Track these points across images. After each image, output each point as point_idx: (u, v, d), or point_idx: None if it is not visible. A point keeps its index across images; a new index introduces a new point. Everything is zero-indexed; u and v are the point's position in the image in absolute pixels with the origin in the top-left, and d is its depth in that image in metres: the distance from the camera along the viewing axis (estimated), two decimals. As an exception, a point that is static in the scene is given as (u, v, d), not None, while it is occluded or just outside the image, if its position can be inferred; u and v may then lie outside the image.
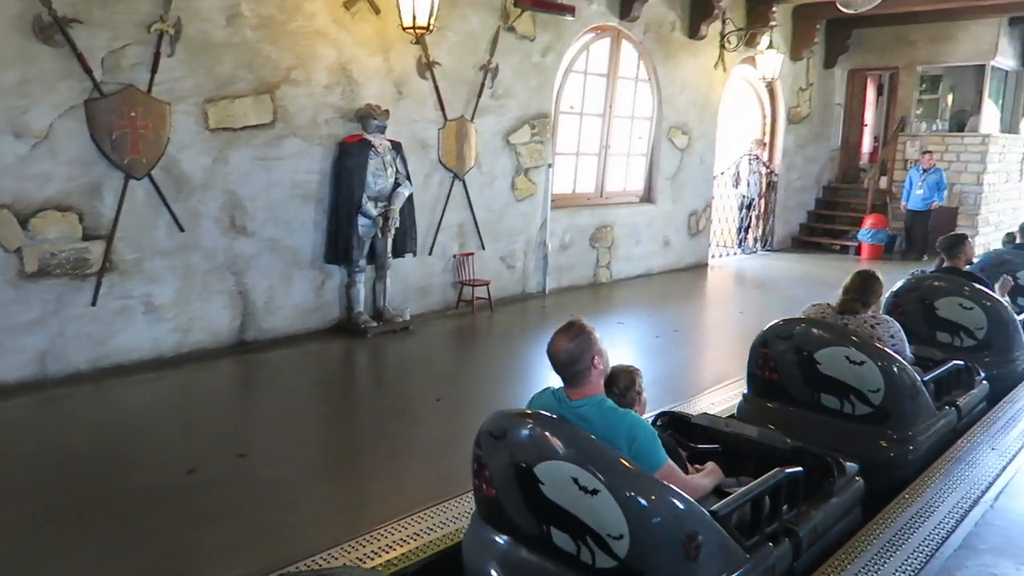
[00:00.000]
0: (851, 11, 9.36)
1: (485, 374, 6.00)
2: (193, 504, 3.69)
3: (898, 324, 4.40)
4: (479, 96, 7.60)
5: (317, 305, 6.67)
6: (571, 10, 8.17)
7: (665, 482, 2.52)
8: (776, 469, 2.95)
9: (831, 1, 9.57)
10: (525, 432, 2.66)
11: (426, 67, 7.09)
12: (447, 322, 7.37)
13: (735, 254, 12.24)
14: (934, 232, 12.42)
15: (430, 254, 7.48)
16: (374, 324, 6.69)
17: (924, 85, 13.42)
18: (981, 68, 12.68)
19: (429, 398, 5.36)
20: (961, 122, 13.19)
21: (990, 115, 13.04)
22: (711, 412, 4.37)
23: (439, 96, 7.25)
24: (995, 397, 4.97)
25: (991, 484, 3.84)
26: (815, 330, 4.11)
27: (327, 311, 6.75)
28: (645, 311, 8.37)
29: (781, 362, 4.19)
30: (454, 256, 7.69)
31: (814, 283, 9.87)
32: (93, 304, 5.35)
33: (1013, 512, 3.55)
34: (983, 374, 4.98)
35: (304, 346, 6.33)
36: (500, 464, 2.72)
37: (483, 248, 7.93)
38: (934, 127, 13.33)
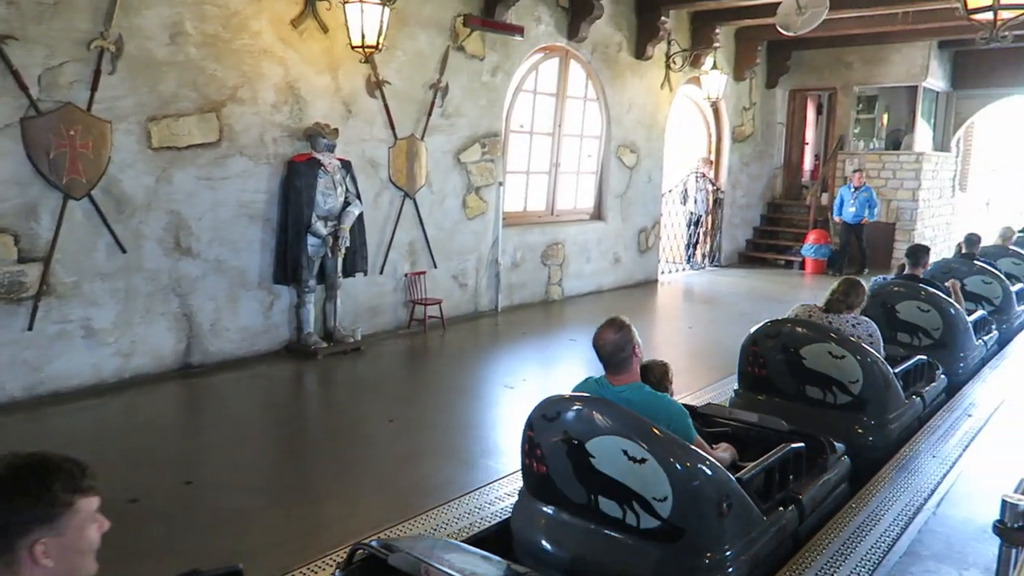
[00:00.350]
0: (790, 33, 9.68)
1: (438, 393, 5.95)
2: (137, 535, 3.56)
3: (875, 325, 4.82)
4: (429, 115, 7.61)
5: (265, 327, 6.55)
6: (520, 30, 8.27)
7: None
8: (783, 444, 3.43)
9: (771, 24, 9.88)
10: (577, 413, 3.01)
11: (375, 86, 7.08)
12: (399, 342, 7.31)
13: (684, 270, 12.43)
14: (872, 247, 12.87)
15: (381, 273, 7.42)
16: (324, 345, 6.60)
17: (861, 105, 13.91)
18: (914, 89, 13.21)
19: (381, 419, 5.29)
20: (896, 141, 13.69)
21: (923, 134, 13.57)
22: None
23: (389, 115, 7.23)
24: (950, 390, 5.56)
25: (933, 491, 3.95)
26: (800, 329, 4.57)
27: (276, 332, 6.63)
28: (596, 328, 8.41)
29: (770, 359, 4.63)
30: (405, 275, 7.65)
31: (761, 298, 10.09)
32: (29, 329, 5.16)
33: (954, 519, 3.65)
34: (941, 369, 5.53)
35: (252, 369, 6.20)
36: (552, 443, 3.06)
37: (435, 267, 7.90)
38: (871, 145, 13.81)
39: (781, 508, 3.31)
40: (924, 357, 5.38)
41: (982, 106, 14.54)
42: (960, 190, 15.58)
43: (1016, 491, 1.76)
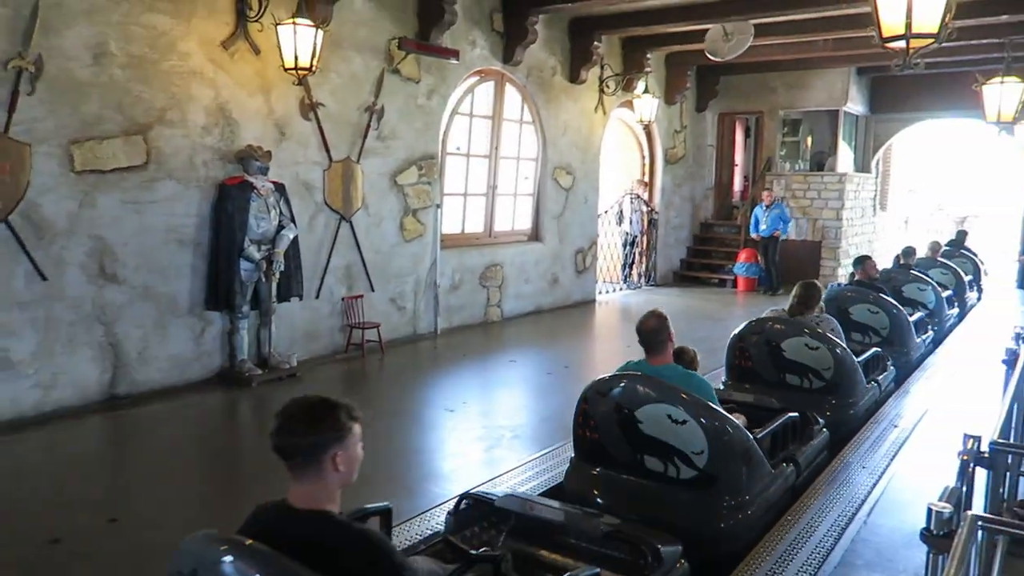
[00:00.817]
0: (718, 59, 10.00)
1: (377, 419, 5.84)
2: (57, 578, 3.38)
3: (836, 321, 5.83)
4: (364, 137, 7.56)
5: (197, 354, 6.35)
6: (455, 54, 8.31)
7: None
8: (783, 413, 4.29)
9: (700, 49, 10.19)
10: (625, 387, 3.76)
11: (309, 108, 7.00)
12: (336, 367, 7.18)
13: (621, 290, 12.61)
14: (799, 265, 13.32)
15: (317, 297, 7.29)
16: (259, 372, 6.43)
17: (786, 128, 14.43)
18: (835, 113, 13.79)
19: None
20: (820, 162, 14.24)
21: (845, 156, 14.15)
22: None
23: (323, 137, 7.15)
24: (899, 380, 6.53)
25: (863, 501, 4.07)
26: (779, 326, 5.47)
27: (208, 360, 6.43)
28: (536, 348, 8.46)
29: (755, 352, 5.48)
30: (342, 299, 7.54)
31: (695, 315, 10.29)
32: (-61, 362, 4.88)
33: (884, 527, 3.76)
34: (891, 361, 6.54)
35: (183, 398, 5.99)
36: (604, 413, 3.81)
37: (372, 290, 7.81)
38: (797, 167, 14.32)
39: (784, 465, 4.10)
40: (878, 349, 6.33)
41: (899, 129, 15.28)
42: (881, 209, 16.27)
43: (941, 499, 1.82)
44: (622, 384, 3.77)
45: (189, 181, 6.14)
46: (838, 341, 5.38)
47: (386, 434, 5.40)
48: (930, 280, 8.90)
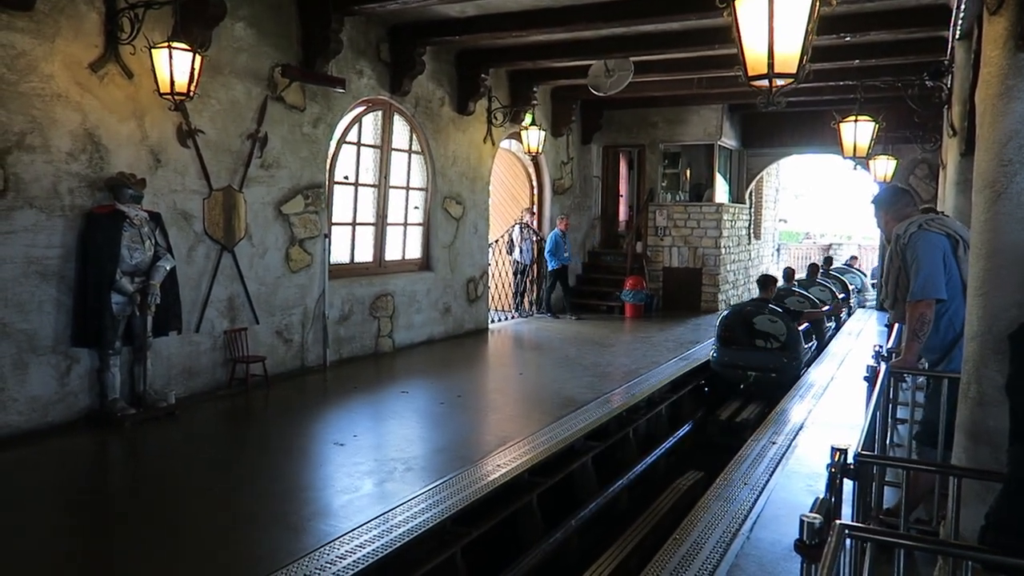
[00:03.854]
0: (601, 93, 10.36)
1: (262, 456, 5.60)
2: None
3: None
4: (247, 166, 7.33)
5: (61, 395, 5.90)
6: (341, 83, 8.22)
7: None
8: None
9: (584, 84, 10.53)
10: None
11: (187, 135, 6.72)
12: (218, 403, 6.85)
13: (513, 318, 12.71)
14: (681, 289, 13.93)
15: (197, 331, 6.96)
16: (132, 411, 6.05)
17: (667, 160, 15.08)
18: (711, 147, 14.54)
19: (198, 489, 4.88)
20: (699, 193, 14.94)
21: (721, 188, 14.91)
22: (497, 474, 4.44)
23: (203, 165, 6.88)
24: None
25: (746, 517, 4.23)
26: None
27: (74, 401, 5.99)
28: (428, 378, 8.37)
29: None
30: (224, 332, 7.22)
31: (585, 341, 10.50)
32: None
33: (765, 541, 3.92)
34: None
35: (44, 443, 5.54)
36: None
37: (257, 322, 7.53)
38: (677, 197, 14.96)
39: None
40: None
41: (769, 163, 16.31)
42: (755, 238, 17.22)
43: (811, 510, 1.91)
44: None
45: (52, 210, 5.75)
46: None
47: (272, 471, 5.18)
48: (810, 295, 11.21)
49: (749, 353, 8.90)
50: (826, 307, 11.18)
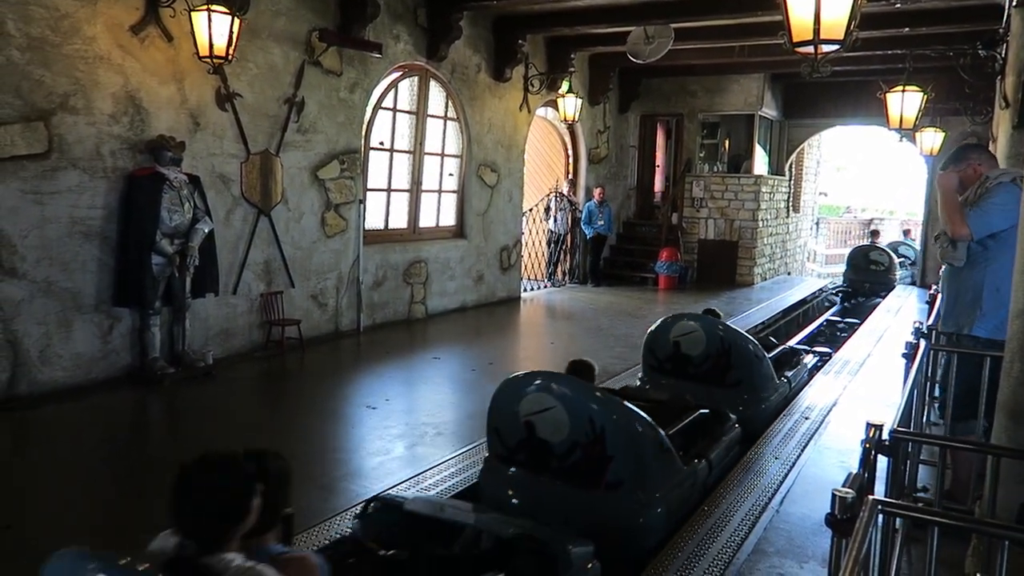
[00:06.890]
0: (640, 61, 10.17)
1: (296, 417, 5.71)
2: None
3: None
4: (284, 130, 7.36)
5: (104, 352, 6.06)
6: (377, 47, 8.19)
7: None
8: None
9: (623, 51, 10.35)
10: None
11: (226, 98, 6.77)
12: (254, 365, 6.98)
13: (546, 287, 12.70)
14: (717, 264, 13.76)
15: (234, 293, 7.07)
16: (171, 370, 6.19)
17: (705, 131, 14.81)
18: (751, 117, 14.23)
19: (233, 448, 4.98)
20: (737, 165, 14.67)
21: (760, 159, 14.63)
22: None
23: (241, 129, 6.93)
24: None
25: (776, 491, 4.21)
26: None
27: (116, 358, 6.15)
28: (461, 345, 8.43)
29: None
30: (261, 295, 7.33)
31: (618, 313, 10.46)
32: None
33: (795, 515, 3.90)
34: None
35: (88, 399, 5.71)
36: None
37: (292, 286, 7.62)
38: (715, 168, 14.72)
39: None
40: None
41: (810, 135, 15.91)
42: (794, 211, 16.90)
43: (844, 485, 1.89)
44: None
45: (95, 171, 5.85)
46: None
47: (305, 433, 5.28)
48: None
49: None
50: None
